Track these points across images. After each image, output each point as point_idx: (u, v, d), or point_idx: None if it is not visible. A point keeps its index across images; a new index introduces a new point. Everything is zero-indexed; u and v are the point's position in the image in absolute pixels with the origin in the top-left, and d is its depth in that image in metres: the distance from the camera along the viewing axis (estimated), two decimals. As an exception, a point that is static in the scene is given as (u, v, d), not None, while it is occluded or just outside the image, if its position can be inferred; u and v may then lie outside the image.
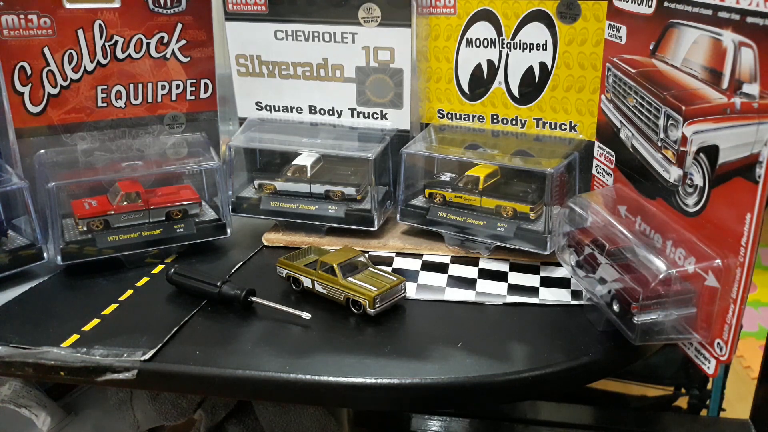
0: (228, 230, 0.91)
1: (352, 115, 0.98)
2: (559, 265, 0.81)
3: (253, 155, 0.98)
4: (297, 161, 0.93)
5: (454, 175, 0.92)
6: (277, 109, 1.01)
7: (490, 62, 0.91)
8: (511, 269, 0.83)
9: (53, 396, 0.92)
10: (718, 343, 0.61)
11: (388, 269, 0.82)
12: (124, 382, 0.67)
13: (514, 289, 0.79)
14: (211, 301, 0.77)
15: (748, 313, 1.86)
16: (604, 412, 1.23)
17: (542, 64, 0.88)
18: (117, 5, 0.91)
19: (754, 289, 2.04)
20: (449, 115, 0.96)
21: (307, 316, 0.72)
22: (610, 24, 0.78)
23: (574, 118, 0.88)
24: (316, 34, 0.94)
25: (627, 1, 0.73)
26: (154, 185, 0.92)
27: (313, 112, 0.99)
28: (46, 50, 0.88)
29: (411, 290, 0.78)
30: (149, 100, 0.96)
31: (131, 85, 0.94)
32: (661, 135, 0.68)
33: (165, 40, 0.94)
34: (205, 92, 0.99)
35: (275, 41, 0.96)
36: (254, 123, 1.00)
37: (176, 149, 0.95)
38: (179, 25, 0.94)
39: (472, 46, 0.91)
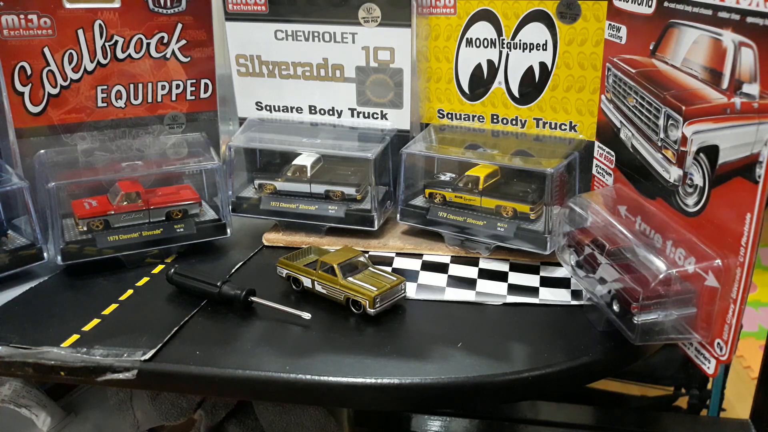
0: (228, 230, 0.91)
1: (352, 115, 0.98)
2: (559, 265, 0.81)
3: (253, 155, 0.98)
4: (297, 161, 0.93)
5: (454, 175, 0.92)
6: (277, 109, 1.01)
7: (490, 62, 0.91)
8: (511, 269, 0.83)
9: (53, 396, 0.92)
10: (718, 343, 0.61)
11: (388, 269, 0.82)
12: (124, 382, 0.67)
13: (514, 289, 0.79)
14: (211, 301, 0.77)
15: (748, 313, 1.86)
16: (604, 412, 1.23)
17: (542, 64, 0.88)
18: (117, 5, 0.91)
19: (754, 289, 2.04)
20: (449, 115, 0.96)
21: (307, 316, 0.72)
22: (610, 24, 0.78)
23: (574, 118, 0.88)
24: (316, 34, 0.94)
25: (627, 1, 0.73)
26: (154, 185, 0.92)
27: (313, 112, 0.99)
28: (46, 50, 0.88)
29: (411, 290, 0.78)
30: (149, 100, 0.96)
31: (131, 85, 0.94)
32: (661, 135, 0.68)
33: (165, 40, 0.94)
34: (205, 92, 0.99)
35: (275, 41, 0.96)
36: (254, 123, 1.00)
37: (176, 149, 0.95)
38: (179, 25, 0.94)
39: (472, 46, 0.91)
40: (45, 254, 0.84)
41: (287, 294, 0.79)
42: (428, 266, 0.85)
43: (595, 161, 0.85)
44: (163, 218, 0.89)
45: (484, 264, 0.85)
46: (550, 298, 0.77)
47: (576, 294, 0.77)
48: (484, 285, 0.80)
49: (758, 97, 0.54)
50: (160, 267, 0.86)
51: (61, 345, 0.69)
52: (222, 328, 0.73)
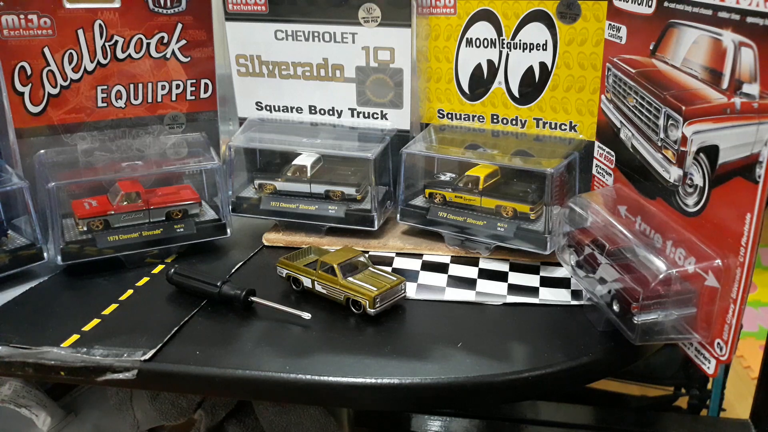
0: (228, 230, 0.91)
1: (352, 115, 0.98)
2: (559, 265, 0.81)
3: (253, 155, 0.98)
4: (297, 161, 0.93)
5: (454, 175, 0.92)
6: (277, 109, 1.01)
7: (490, 62, 0.91)
8: (511, 269, 0.83)
9: (53, 396, 0.92)
10: (718, 343, 0.61)
11: (388, 269, 0.82)
12: (124, 382, 0.67)
13: (514, 289, 0.79)
14: (211, 301, 0.77)
15: (748, 313, 1.86)
16: (604, 412, 1.23)
17: (542, 64, 0.88)
18: (117, 5, 0.91)
19: (754, 289, 2.03)
20: (449, 115, 0.96)
21: (307, 316, 0.72)
22: (610, 24, 0.78)
23: (574, 118, 0.88)
24: (316, 34, 0.94)
25: (627, 1, 0.73)
26: (154, 185, 0.92)
27: (313, 112, 0.99)
28: (46, 50, 0.88)
29: (411, 290, 0.78)
30: (149, 100, 0.96)
31: (131, 85, 0.94)
32: (661, 135, 0.68)
33: (165, 40, 0.94)
34: (205, 92, 0.99)
35: (275, 41, 0.96)
36: (254, 123, 1.00)
37: (176, 149, 0.95)
38: (179, 25, 0.94)
39: (472, 46, 0.91)
40: (45, 254, 0.84)
41: (287, 294, 0.79)
42: (428, 266, 0.85)
43: (595, 161, 0.85)
44: (163, 218, 0.89)
45: (484, 264, 0.85)
46: (550, 298, 0.77)
47: (576, 294, 0.77)
48: (484, 285, 0.80)
49: (758, 97, 0.54)
50: (160, 267, 0.86)
51: (61, 345, 0.69)
52: (222, 328, 0.73)
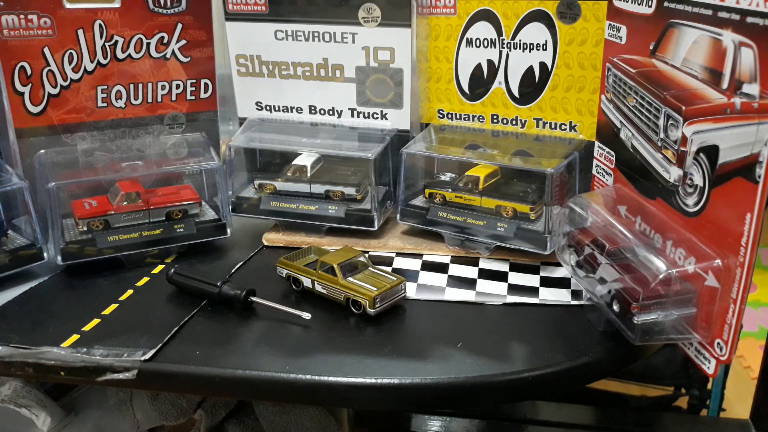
0: (228, 230, 0.91)
1: (352, 115, 0.98)
2: (559, 265, 0.81)
3: (253, 155, 0.98)
4: (297, 161, 0.93)
5: (454, 175, 0.92)
6: (277, 109, 1.01)
7: (490, 62, 0.91)
8: (511, 269, 0.83)
9: (53, 396, 0.92)
10: (718, 343, 0.61)
11: (388, 269, 0.82)
12: (124, 382, 0.67)
13: (514, 289, 0.79)
14: (211, 301, 0.77)
15: (748, 313, 1.86)
16: (604, 412, 1.23)
17: (542, 64, 0.88)
18: (117, 5, 0.91)
19: (754, 289, 2.03)
20: (449, 115, 0.96)
21: (307, 316, 0.72)
22: (610, 24, 0.78)
23: (574, 118, 0.88)
24: (316, 34, 0.94)
25: (627, 1, 0.73)
26: (154, 185, 0.92)
27: (313, 112, 0.99)
28: (46, 50, 0.88)
29: (411, 290, 0.78)
30: (149, 100, 0.96)
31: (131, 85, 0.94)
32: (661, 135, 0.68)
33: (165, 40, 0.94)
34: (205, 92, 0.99)
35: (275, 41, 0.96)
36: (254, 123, 1.00)
37: (176, 149, 0.95)
38: (179, 25, 0.94)
39: (472, 46, 0.91)
40: (45, 254, 0.84)
41: (287, 294, 0.79)
42: (428, 266, 0.84)
43: (595, 161, 0.85)
44: (163, 218, 0.89)
45: (484, 264, 0.85)
46: (550, 298, 0.77)
47: (576, 294, 0.77)
48: (484, 285, 0.80)
49: (758, 97, 0.54)
50: (160, 267, 0.86)
51: (61, 345, 0.69)
52: (222, 328, 0.73)
